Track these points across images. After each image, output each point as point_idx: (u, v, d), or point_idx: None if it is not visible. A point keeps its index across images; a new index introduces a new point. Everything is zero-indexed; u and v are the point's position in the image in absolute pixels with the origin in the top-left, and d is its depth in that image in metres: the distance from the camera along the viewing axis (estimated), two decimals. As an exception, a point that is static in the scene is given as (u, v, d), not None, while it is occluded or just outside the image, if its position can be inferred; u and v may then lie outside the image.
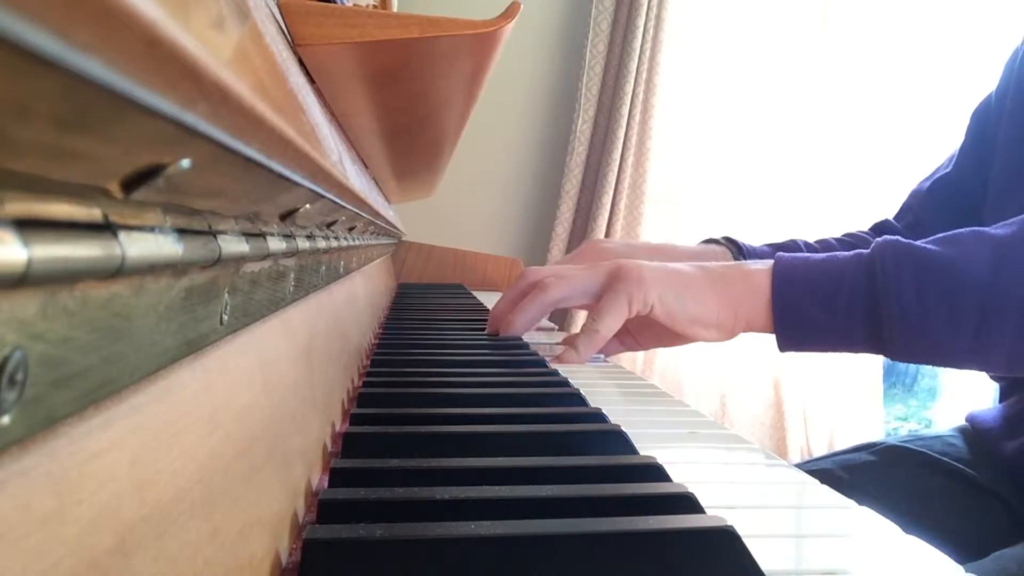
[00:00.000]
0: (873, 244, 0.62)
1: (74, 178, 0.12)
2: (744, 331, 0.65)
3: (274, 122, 0.18)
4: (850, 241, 0.90)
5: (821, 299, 0.61)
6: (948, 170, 0.86)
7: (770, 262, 0.64)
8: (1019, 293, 0.56)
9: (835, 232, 0.93)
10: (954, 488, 0.72)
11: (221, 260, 0.19)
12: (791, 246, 0.88)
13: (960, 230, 0.61)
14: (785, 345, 0.64)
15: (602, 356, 0.77)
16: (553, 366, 0.62)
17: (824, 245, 0.90)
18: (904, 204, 0.92)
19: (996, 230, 0.60)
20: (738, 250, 0.87)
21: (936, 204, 0.87)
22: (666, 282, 0.64)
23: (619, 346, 0.75)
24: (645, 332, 0.72)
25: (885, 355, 0.61)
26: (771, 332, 0.64)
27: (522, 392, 0.49)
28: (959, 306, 0.57)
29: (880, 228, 0.92)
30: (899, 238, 0.62)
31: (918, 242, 0.61)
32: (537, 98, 1.96)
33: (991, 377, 0.81)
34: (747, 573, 0.26)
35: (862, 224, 0.95)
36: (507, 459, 0.34)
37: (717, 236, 0.89)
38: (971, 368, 0.62)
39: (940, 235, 0.61)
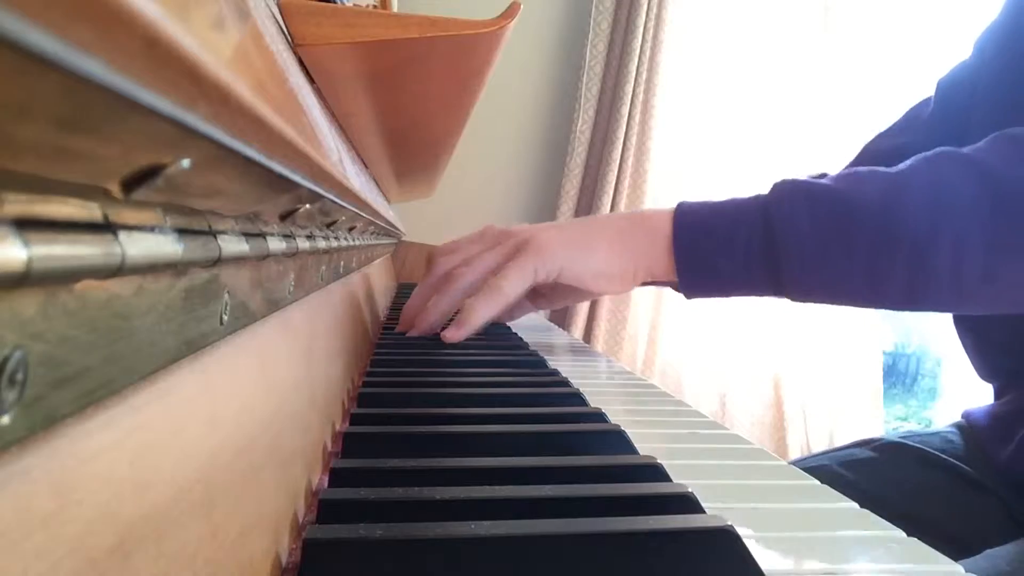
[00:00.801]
0: (772, 185, 0.61)
1: (74, 178, 0.12)
2: (646, 279, 0.65)
3: (274, 122, 0.18)
4: None
5: (719, 243, 0.60)
6: (915, 137, 0.82)
7: (671, 208, 0.64)
8: (909, 227, 0.56)
9: None
10: (951, 485, 0.72)
11: (221, 260, 0.19)
12: None
13: (857, 168, 0.61)
14: (690, 292, 0.63)
15: (513, 317, 0.76)
16: (547, 360, 0.62)
17: None
18: (854, 160, 0.89)
19: (894, 168, 0.59)
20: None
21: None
22: (568, 244, 0.64)
23: (530, 306, 0.76)
24: (555, 292, 0.73)
25: (786, 296, 0.61)
26: (673, 279, 0.63)
27: (522, 392, 0.49)
28: (852, 241, 0.57)
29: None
30: (797, 177, 0.61)
31: (815, 179, 0.60)
32: (537, 98, 1.96)
33: (983, 378, 0.80)
34: (747, 573, 0.26)
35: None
36: (507, 459, 0.34)
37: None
38: (871, 306, 0.61)
39: (838, 173, 0.61)
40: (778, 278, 0.60)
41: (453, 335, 0.65)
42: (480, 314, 0.64)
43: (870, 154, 0.86)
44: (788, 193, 0.59)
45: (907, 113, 0.86)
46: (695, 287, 0.63)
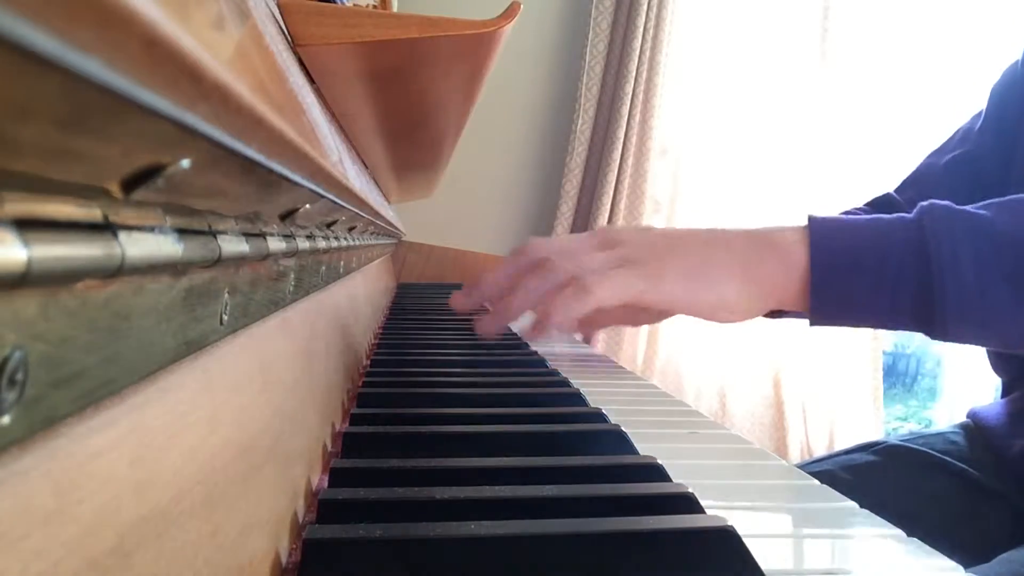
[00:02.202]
0: (918, 208, 0.55)
1: (74, 178, 0.12)
2: (775, 307, 0.59)
3: (274, 122, 0.18)
4: None
5: (865, 273, 0.54)
6: (967, 147, 0.80)
7: (802, 227, 0.57)
8: None
9: None
10: (957, 489, 0.72)
11: (221, 260, 0.19)
12: None
13: (1012, 196, 0.54)
14: (818, 321, 0.57)
15: (594, 328, 0.74)
16: (547, 360, 0.62)
17: None
18: (909, 178, 0.86)
19: None
20: None
21: (955, 182, 0.80)
22: (688, 276, 0.57)
23: (623, 318, 0.70)
24: (659, 314, 0.67)
25: (929, 333, 0.55)
26: (804, 309, 0.57)
27: (522, 392, 0.49)
28: (1022, 283, 0.51)
29: (879, 204, 0.85)
30: (947, 203, 0.54)
31: (969, 208, 0.54)
32: (537, 98, 1.96)
33: (993, 370, 0.80)
34: (747, 573, 0.26)
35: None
36: (507, 459, 0.34)
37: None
38: (1020, 350, 0.56)
39: (988, 202, 0.54)
40: (928, 315, 0.54)
41: (529, 335, 0.60)
42: (560, 315, 0.56)
43: (926, 171, 0.83)
44: (945, 223, 0.53)
45: (960, 127, 0.84)
46: (826, 318, 0.57)
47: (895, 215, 0.56)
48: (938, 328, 0.54)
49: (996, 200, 0.54)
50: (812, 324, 0.58)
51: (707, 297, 0.57)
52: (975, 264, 0.52)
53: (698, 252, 0.59)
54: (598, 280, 0.56)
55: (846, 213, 0.83)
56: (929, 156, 0.86)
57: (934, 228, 0.53)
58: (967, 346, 0.60)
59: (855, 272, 0.54)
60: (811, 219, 0.57)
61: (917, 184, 0.84)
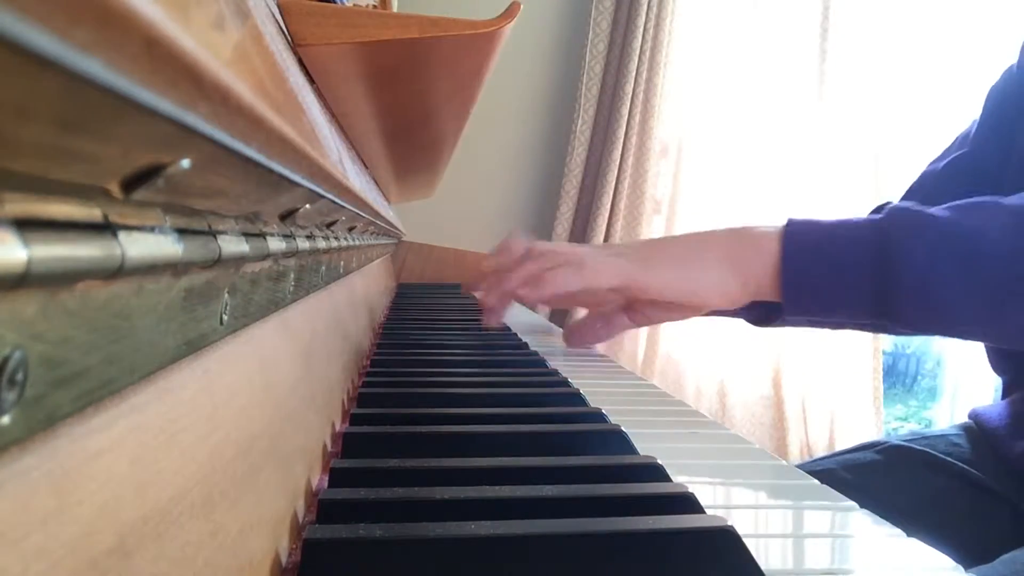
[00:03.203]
0: (886, 210, 0.60)
1: (74, 178, 0.12)
2: (753, 297, 0.65)
3: (274, 122, 0.18)
4: None
5: (832, 263, 0.60)
6: (965, 149, 0.82)
7: (780, 226, 0.63)
8: None
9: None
10: (959, 489, 0.72)
11: (221, 260, 0.19)
12: None
13: (974, 199, 0.59)
14: (791, 311, 0.63)
15: (610, 334, 0.78)
16: (547, 360, 0.62)
17: None
18: (912, 186, 0.89)
19: (1009, 200, 0.58)
20: None
21: (952, 184, 0.83)
22: (675, 262, 0.64)
23: (628, 323, 0.76)
24: (655, 307, 0.72)
25: (889, 325, 0.60)
26: (778, 298, 0.63)
27: (522, 392, 0.49)
28: (974, 274, 0.55)
29: (881, 211, 0.89)
30: (910, 204, 0.60)
31: (931, 208, 0.59)
32: (537, 98, 1.96)
33: (994, 370, 0.80)
34: (747, 573, 0.26)
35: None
36: (507, 459, 0.34)
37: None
38: (982, 339, 0.60)
39: (953, 203, 0.59)
40: (888, 305, 0.58)
41: (527, 294, 0.66)
42: (558, 281, 0.64)
43: (927, 176, 0.86)
44: (905, 219, 0.58)
45: (959, 135, 0.86)
46: (799, 309, 0.62)
47: (866, 216, 0.61)
48: (898, 318, 0.58)
49: (959, 202, 0.59)
50: (786, 315, 0.63)
51: (693, 282, 0.64)
52: (929, 258, 0.56)
53: (684, 244, 0.66)
54: (592, 262, 0.64)
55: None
56: (931, 163, 0.88)
57: (893, 226, 0.58)
58: (968, 345, 0.63)
59: (822, 264, 0.60)
60: (789, 218, 0.64)
61: (923, 190, 0.87)
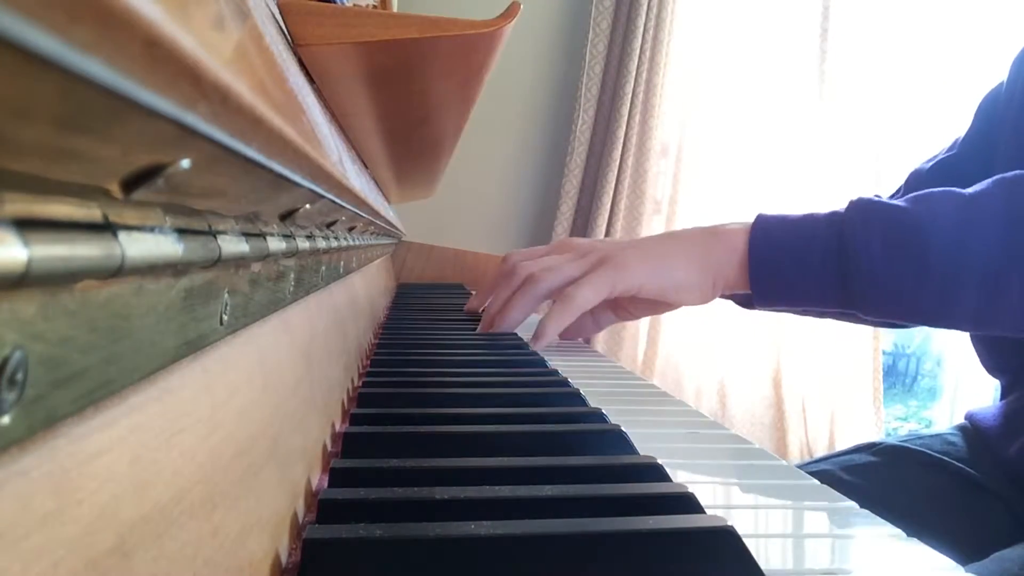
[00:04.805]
0: (847, 203, 0.63)
1: (74, 178, 0.12)
2: (724, 290, 0.68)
3: (274, 122, 0.18)
4: None
5: (794, 257, 0.63)
6: (952, 152, 0.85)
7: (748, 221, 0.66)
8: (982, 251, 0.57)
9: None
10: (955, 489, 0.72)
11: (221, 260, 0.19)
12: None
13: (932, 189, 0.62)
14: (760, 303, 0.66)
15: (596, 328, 0.81)
16: (547, 360, 0.63)
17: None
18: (901, 185, 0.92)
19: (967, 190, 0.60)
20: None
21: (936, 185, 0.86)
22: (648, 259, 0.67)
23: (613, 317, 0.79)
24: (636, 305, 0.75)
25: (856, 313, 0.62)
26: (747, 290, 0.66)
27: (522, 392, 0.49)
28: (924, 263, 0.58)
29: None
30: (872, 197, 0.63)
31: (890, 200, 0.62)
32: (537, 98, 1.96)
33: (990, 373, 0.80)
34: (747, 573, 0.26)
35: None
36: (507, 459, 0.34)
37: None
38: (938, 326, 0.63)
39: (913, 194, 0.62)
40: (849, 295, 0.61)
41: (534, 346, 0.69)
42: (553, 326, 0.69)
43: (914, 177, 0.89)
44: (862, 212, 0.61)
45: (955, 139, 0.88)
46: (767, 300, 0.65)
47: (829, 211, 0.64)
48: (860, 307, 0.61)
49: (919, 192, 0.62)
50: (756, 305, 0.66)
51: (668, 277, 0.67)
52: (883, 247, 0.59)
53: (656, 243, 0.70)
54: (575, 288, 0.67)
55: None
56: (921, 164, 0.91)
57: (852, 217, 0.61)
58: (966, 344, 0.64)
59: (786, 256, 0.63)
60: (758, 214, 0.67)
61: (906, 188, 0.90)
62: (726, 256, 0.66)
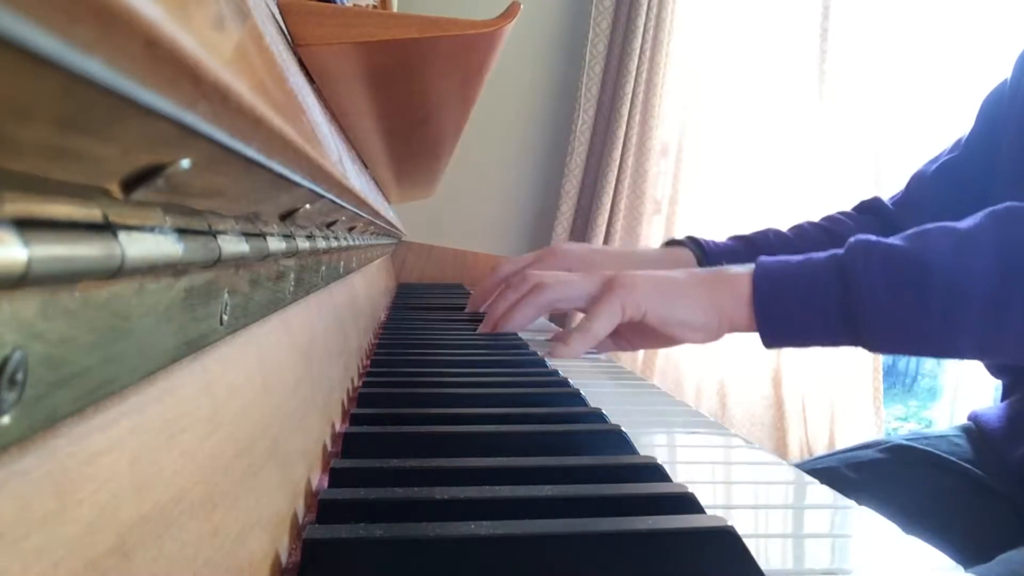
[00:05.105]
0: (846, 244, 0.65)
1: (74, 178, 0.12)
2: (729, 332, 0.69)
3: (274, 122, 0.18)
4: (828, 227, 0.91)
5: (798, 300, 0.64)
6: (956, 154, 0.86)
7: (751, 267, 0.68)
8: (980, 281, 0.58)
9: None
10: (961, 489, 0.72)
11: (221, 260, 0.19)
12: (760, 239, 0.90)
13: (927, 225, 0.64)
14: (769, 343, 0.67)
15: (596, 352, 0.80)
16: (547, 360, 0.63)
17: (798, 232, 0.91)
18: (904, 192, 0.93)
19: (961, 224, 0.62)
20: (700, 249, 0.91)
21: (940, 187, 0.87)
22: (657, 290, 0.69)
23: (611, 345, 0.79)
24: (636, 334, 0.76)
25: (866, 348, 0.64)
26: (754, 331, 0.67)
27: (522, 392, 0.49)
28: (925, 297, 0.60)
29: (866, 208, 0.94)
30: (870, 236, 0.64)
31: (887, 239, 0.64)
32: (537, 98, 1.96)
33: (992, 374, 0.80)
34: (747, 573, 0.26)
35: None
36: (507, 459, 0.34)
37: (680, 237, 0.95)
38: (948, 356, 0.65)
39: (908, 231, 0.64)
40: (856, 333, 0.63)
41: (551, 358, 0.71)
42: (574, 352, 0.71)
43: (917, 178, 0.90)
44: (863, 252, 0.63)
45: (956, 139, 0.89)
46: (775, 340, 0.67)
47: (828, 253, 0.66)
48: (868, 342, 0.63)
49: (914, 230, 0.64)
50: (765, 345, 0.68)
51: (673, 311, 0.68)
52: (885, 285, 0.61)
53: (663, 277, 0.71)
54: (593, 319, 0.69)
55: (827, 218, 0.94)
56: (923, 166, 0.93)
57: (853, 258, 0.63)
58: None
59: (791, 300, 0.65)
60: (759, 258, 0.69)
61: (912, 191, 0.91)
62: (733, 301, 0.67)
